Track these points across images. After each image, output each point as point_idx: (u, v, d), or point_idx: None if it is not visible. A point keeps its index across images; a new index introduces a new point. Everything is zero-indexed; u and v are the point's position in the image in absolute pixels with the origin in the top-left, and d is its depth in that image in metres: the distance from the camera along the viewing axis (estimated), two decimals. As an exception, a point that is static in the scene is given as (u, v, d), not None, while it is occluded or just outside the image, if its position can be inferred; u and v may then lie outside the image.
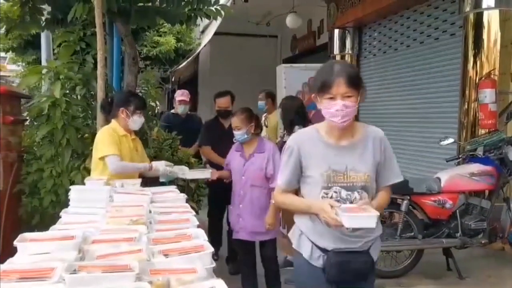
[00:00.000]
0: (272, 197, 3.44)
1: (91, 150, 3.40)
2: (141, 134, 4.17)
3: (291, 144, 2.14)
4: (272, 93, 5.96)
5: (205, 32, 11.87)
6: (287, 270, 4.53)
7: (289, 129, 4.26)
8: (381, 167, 2.09)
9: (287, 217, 4.69)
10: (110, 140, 3.19)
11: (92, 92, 4.13)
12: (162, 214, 2.19)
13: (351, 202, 2.00)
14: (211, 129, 4.77)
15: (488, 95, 4.76)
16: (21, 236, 1.73)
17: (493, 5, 4.87)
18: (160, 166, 3.36)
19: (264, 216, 3.51)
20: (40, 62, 8.00)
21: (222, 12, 4.47)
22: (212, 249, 1.63)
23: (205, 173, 3.87)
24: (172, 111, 5.67)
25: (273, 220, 3.51)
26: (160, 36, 12.12)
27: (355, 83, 1.97)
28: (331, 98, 1.97)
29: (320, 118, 2.14)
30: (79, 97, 4.14)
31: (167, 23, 4.81)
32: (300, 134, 2.23)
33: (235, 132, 3.59)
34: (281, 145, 4.38)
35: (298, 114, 4.35)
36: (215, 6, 4.44)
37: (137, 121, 3.35)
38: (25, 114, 4.38)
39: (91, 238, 1.77)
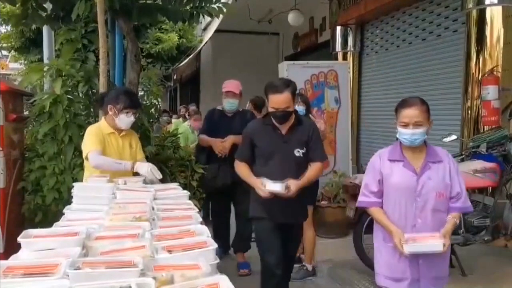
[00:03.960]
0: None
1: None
2: (143, 132, 4.18)
3: None
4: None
5: (207, 29, 11.88)
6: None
7: None
8: None
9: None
10: (92, 137, 3.14)
11: (94, 90, 4.14)
12: (165, 211, 2.19)
13: None
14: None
15: (491, 91, 4.75)
16: (25, 232, 1.74)
17: (496, 1, 4.85)
18: (143, 168, 3.09)
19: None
20: (43, 62, 8.01)
21: (224, 10, 4.46)
22: (215, 245, 1.63)
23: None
24: (219, 107, 4.66)
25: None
26: (163, 33, 12.14)
27: None
28: None
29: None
30: (81, 94, 4.15)
31: (168, 21, 4.78)
32: None
33: (411, 131, 2.43)
34: None
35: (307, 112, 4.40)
36: (217, 4, 4.43)
37: (124, 120, 3.21)
38: (27, 111, 4.39)
39: (95, 235, 1.78)
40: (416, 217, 2.49)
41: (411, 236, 2.43)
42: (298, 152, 3.14)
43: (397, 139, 2.56)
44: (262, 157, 3.18)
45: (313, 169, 3.19)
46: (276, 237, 3.17)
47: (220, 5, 4.42)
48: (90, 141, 3.13)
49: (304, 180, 3.11)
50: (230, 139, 4.35)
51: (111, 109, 3.21)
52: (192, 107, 9.10)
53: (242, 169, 3.24)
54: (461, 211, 2.59)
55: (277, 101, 3.03)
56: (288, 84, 3.08)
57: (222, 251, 4.63)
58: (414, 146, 2.49)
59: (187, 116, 8.19)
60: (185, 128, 7.21)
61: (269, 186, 2.96)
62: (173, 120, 10.26)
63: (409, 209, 2.48)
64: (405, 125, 2.45)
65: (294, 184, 2.99)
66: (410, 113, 2.44)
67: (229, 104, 4.47)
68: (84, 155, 3.16)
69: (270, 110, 3.10)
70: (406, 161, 2.51)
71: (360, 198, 2.63)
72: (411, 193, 2.48)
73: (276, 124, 3.14)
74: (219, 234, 4.56)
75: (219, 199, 4.74)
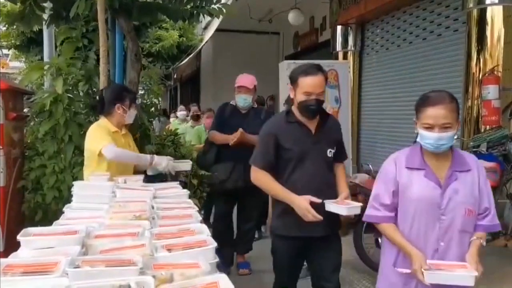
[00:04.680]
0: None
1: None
2: (143, 130, 4.18)
3: None
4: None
5: (208, 28, 11.89)
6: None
7: None
8: None
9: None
10: (102, 133, 3.15)
11: (94, 89, 4.14)
12: (165, 210, 2.19)
13: None
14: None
15: (491, 91, 4.74)
16: (24, 230, 1.74)
17: (496, 1, 4.85)
18: (163, 161, 3.21)
19: None
20: (43, 60, 8.01)
21: (224, 10, 4.46)
22: (215, 244, 1.63)
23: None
24: (232, 102, 4.39)
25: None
26: (163, 31, 12.15)
27: None
28: None
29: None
30: (81, 93, 4.16)
31: (169, 19, 4.78)
32: None
33: (438, 135, 1.99)
34: None
35: None
36: (217, 5, 4.43)
37: (132, 114, 3.34)
38: (26, 110, 4.39)
39: (94, 233, 1.77)
40: (438, 239, 2.05)
41: (434, 263, 1.99)
42: (330, 153, 2.74)
43: (414, 141, 2.17)
44: (291, 162, 2.65)
45: (344, 170, 2.88)
46: (297, 262, 2.84)
47: (220, 5, 4.43)
48: (101, 137, 3.13)
49: (347, 188, 2.77)
50: (248, 137, 4.02)
51: (119, 108, 3.24)
52: (194, 107, 8.91)
53: (267, 180, 2.65)
54: (488, 231, 2.14)
55: (312, 83, 2.56)
56: (320, 68, 2.67)
57: (227, 266, 4.31)
58: (438, 152, 2.05)
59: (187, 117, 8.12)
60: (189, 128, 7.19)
61: (347, 211, 2.51)
62: (171, 120, 10.01)
63: (431, 229, 2.05)
64: (430, 128, 2.00)
65: (349, 196, 2.67)
66: (437, 113, 1.99)
67: (242, 100, 4.24)
68: (96, 152, 3.10)
69: (301, 99, 2.59)
70: (429, 170, 2.07)
71: (369, 211, 2.22)
72: (434, 210, 2.03)
73: (302, 120, 2.67)
74: (224, 243, 4.06)
75: (226, 201, 4.42)
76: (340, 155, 2.86)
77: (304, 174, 2.64)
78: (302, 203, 2.52)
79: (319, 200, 2.53)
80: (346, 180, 2.85)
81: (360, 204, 2.54)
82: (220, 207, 4.52)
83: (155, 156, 3.26)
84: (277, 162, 2.67)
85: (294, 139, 2.65)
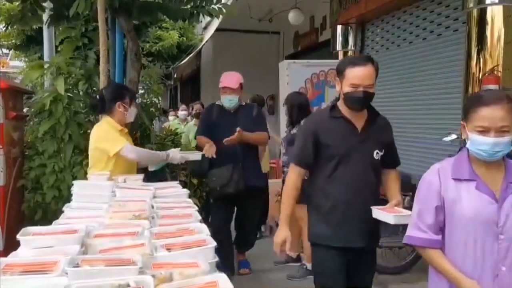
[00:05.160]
0: None
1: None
2: (143, 131, 4.19)
3: None
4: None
5: (208, 28, 11.89)
6: (290, 267, 4.56)
7: (295, 124, 4.32)
8: None
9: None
10: (115, 133, 3.16)
11: (94, 88, 4.15)
12: (164, 209, 2.19)
13: None
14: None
15: (491, 91, 4.74)
16: (24, 230, 1.74)
17: (496, 1, 4.85)
18: (177, 155, 3.37)
19: None
20: (43, 59, 8.01)
21: (224, 11, 4.46)
22: (214, 243, 1.63)
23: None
24: (218, 102, 4.24)
25: None
26: (163, 31, 12.14)
27: None
28: None
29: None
30: (81, 92, 4.16)
31: (169, 19, 4.79)
32: None
33: (494, 140, 1.73)
34: (289, 139, 4.39)
35: (303, 109, 4.37)
36: (217, 5, 4.43)
37: (133, 111, 3.35)
38: (26, 109, 4.39)
39: (94, 232, 1.77)
40: (498, 263, 1.76)
41: None
42: (377, 154, 2.52)
43: (460, 149, 1.98)
44: (333, 159, 2.47)
45: (398, 177, 2.65)
46: (343, 272, 2.52)
47: (220, 5, 4.43)
48: (117, 137, 3.14)
49: (399, 195, 2.55)
50: (246, 135, 3.93)
51: (120, 106, 3.22)
52: (197, 105, 8.73)
53: (291, 194, 2.54)
54: None
55: (360, 74, 2.37)
56: (370, 59, 2.48)
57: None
58: (490, 161, 1.79)
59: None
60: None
61: (394, 219, 2.27)
62: (170, 118, 9.81)
63: (489, 251, 1.75)
64: (484, 131, 1.73)
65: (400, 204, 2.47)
66: (493, 113, 1.72)
67: (227, 101, 4.11)
68: (112, 152, 3.07)
69: (347, 90, 2.40)
70: (480, 181, 1.79)
71: (412, 232, 1.90)
72: (490, 228, 1.75)
73: (348, 116, 2.48)
74: (225, 252, 3.85)
75: (226, 207, 4.19)
76: (392, 160, 2.66)
77: (347, 173, 2.46)
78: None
79: None
80: (399, 188, 2.62)
81: (410, 212, 2.14)
82: (219, 216, 4.20)
83: (170, 152, 3.38)
84: (318, 160, 2.51)
85: (338, 136, 2.48)
